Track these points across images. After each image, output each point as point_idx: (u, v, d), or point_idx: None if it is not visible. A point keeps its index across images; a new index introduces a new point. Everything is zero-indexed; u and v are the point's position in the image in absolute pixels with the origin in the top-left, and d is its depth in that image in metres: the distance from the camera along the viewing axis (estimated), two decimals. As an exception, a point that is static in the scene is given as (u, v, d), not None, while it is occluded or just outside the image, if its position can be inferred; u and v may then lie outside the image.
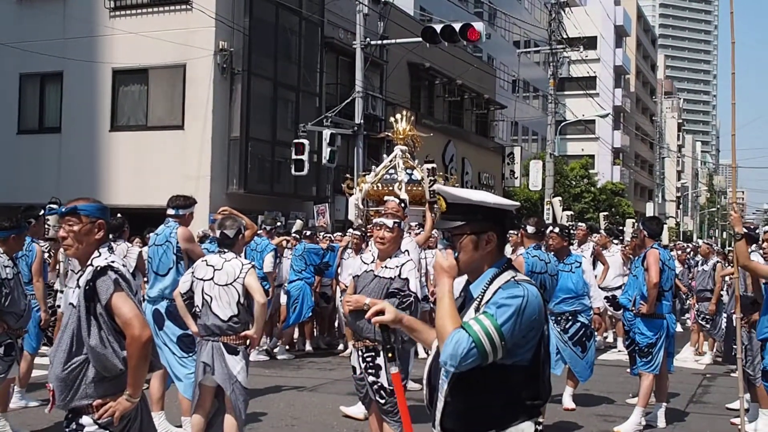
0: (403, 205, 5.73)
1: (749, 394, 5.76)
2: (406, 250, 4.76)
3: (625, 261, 9.84)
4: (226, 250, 4.38)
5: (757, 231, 6.23)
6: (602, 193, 34.88)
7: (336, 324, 9.69)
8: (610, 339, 10.60)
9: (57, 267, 7.95)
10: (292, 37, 16.42)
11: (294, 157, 14.03)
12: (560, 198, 20.51)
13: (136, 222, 8.14)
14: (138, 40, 14.45)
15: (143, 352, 2.59)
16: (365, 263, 4.40)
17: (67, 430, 2.68)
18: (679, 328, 8.22)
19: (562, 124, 28.39)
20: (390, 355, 2.31)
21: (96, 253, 2.69)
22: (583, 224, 10.79)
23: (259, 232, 7.61)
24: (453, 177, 16.31)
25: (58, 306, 7.35)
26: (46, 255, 7.21)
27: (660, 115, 62.51)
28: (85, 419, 2.62)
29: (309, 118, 15.53)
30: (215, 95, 14.62)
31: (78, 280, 2.68)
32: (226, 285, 4.26)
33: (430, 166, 8.61)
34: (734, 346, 5.65)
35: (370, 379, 4.15)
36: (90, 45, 15.21)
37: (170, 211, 5.14)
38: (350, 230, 9.43)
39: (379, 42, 16.59)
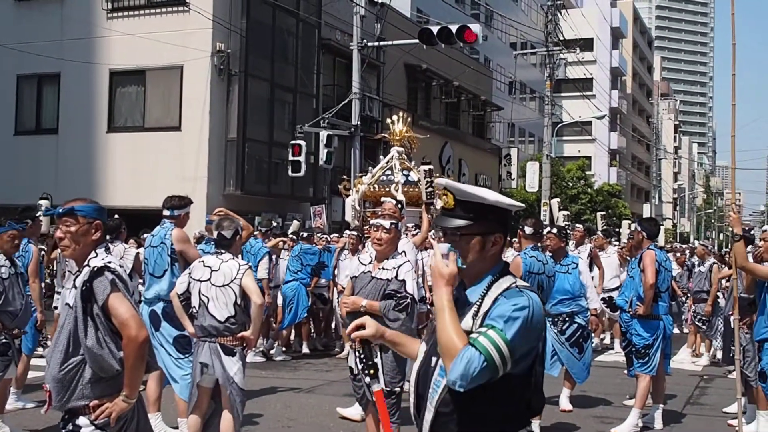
0: (400, 206, 5.74)
1: (746, 396, 5.77)
2: (403, 251, 4.76)
3: (622, 262, 9.86)
4: (223, 251, 4.37)
5: (752, 232, 6.26)
6: (599, 195, 34.95)
7: (333, 325, 9.68)
8: (607, 340, 10.61)
9: (50, 267, 7.92)
10: (289, 39, 16.42)
11: (291, 158, 14.03)
12: (558, 199, 20.54)
13: (133, 223, 8.13)
14: (135, 41, 14.44)
15: (140, 352, 2.59)
16: (363, 264, 4.40)
17: (63, 431, 2.67)
18: (676, 330, 8.22)
19: (559, 125, 28.44)
20: (372, 372, 2.14)
21: (93, 254, 2.69)
22: (580, 225, 10.80)
23: (255, 233, 7.60)
24: (450, 178, 16.29)
25: (55, 307, 7.33)
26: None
27: (656, 117, 62.69)
28: (82, 420, 2.62)
29: (306, 119, 15.53)
30: (212, 96, 14.61)
31: (75, 280, 2.68)
32: (223, 286, 4.25)
33: (427, 167, 8.61)
34: (732, 348, 5.66)
35: (367, 380, 4.15)
36: (87, 46, 15.20)
37: (165, 212, 5.14)
38: (347, 231, 9.43)
39: (376, 43, 16.60)
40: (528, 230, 5.38)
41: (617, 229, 15.27)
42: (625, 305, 5.81)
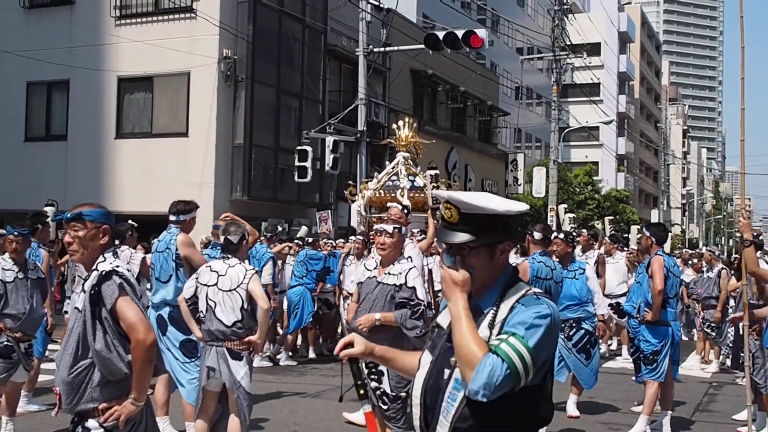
0: (405, 211, 5.75)
1: (756, 403, 5.73)
2: (409, 257, 4.77)
3: (630, 268, 9.81)
4: (230, 256, 4.40)
5: (761, 238, 6.21)
6: (606, 200, 34.83)
7: (339, 330, 9.68)
8: (614, 346, 10.55)
9: (60, 271, 7.98)
10: (296, 45, 16.50)
11: (297, 163, 14.07)
12: (566, 205, 20.48)
13: (141, 228, 8.17)
14: (143, 48, 14.55)
15: (148, 355, 2.60)
16: (368, 270, 4.41)
17: (72, 433, 2.70)
18: (684, 337, 8.18)
19: (566, 130, 28.38)
20: (362, 392, 2.02)
21: (101, 258, 2.72)
22: (585, 230, 10.76)
23: (260, 239, 7.62)
24: (456, 184, 16.31)
25: (65, 312, 7.38)
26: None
27: (665, 122, 62.43)
28: (91, 422, 2.64)
29: (312, 125, 15.58)
30: (219, 103, 14.69)
31: (83, 285, 2.70)
32: (230, 290, 4.27)
33: (433, 172, 8.62)
34: (741, 354, 5.62)
35: (373, 385, 4.15)
36: (96, 53, 15.33)
37: (171, 217, 5.16)
38: (352, 237, 9.44)
39: (382, 49, 16.65)
40: (537, 236, 5.37)
41: (626, 235, 15.20)
42: (633, 311, 5.78)
